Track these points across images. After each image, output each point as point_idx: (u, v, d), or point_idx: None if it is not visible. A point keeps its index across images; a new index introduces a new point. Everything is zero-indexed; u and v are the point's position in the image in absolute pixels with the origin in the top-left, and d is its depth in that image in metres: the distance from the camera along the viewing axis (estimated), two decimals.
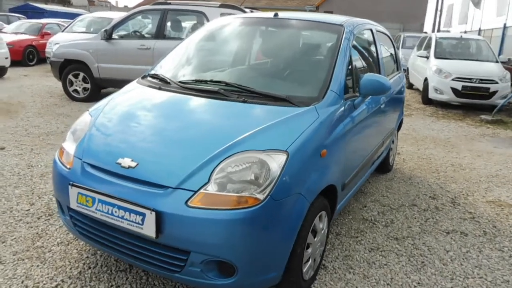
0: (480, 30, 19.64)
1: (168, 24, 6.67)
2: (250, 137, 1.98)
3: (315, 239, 2.23)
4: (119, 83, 6.86)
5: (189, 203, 1.79)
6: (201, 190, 1.81)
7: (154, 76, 2.79)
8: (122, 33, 7.07)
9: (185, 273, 1.86)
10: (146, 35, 7.13)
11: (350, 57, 2.68)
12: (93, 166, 2.06)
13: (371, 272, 2.52)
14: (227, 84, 2.47)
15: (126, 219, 1.86)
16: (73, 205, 2.04)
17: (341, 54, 2.61)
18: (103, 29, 6.78)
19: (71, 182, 2.02)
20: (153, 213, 1.78)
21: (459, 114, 8.28)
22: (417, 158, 5.10)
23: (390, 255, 2.74)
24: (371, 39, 3.40)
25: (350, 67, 2.66)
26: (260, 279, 1.91)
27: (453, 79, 8.40)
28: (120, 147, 2.09)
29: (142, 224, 1.82)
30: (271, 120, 2.11)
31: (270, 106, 2.25)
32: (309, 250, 2.18)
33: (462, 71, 8.49)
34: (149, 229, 1.81)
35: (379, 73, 3.31)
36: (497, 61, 9.15)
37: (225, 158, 1.88)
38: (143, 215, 1.81)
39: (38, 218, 2.96)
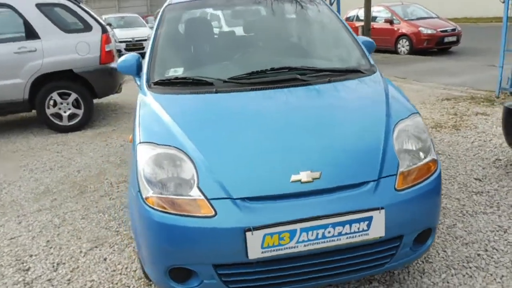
0: None
1: None
2: (385, 109, 2.01)
3: None
4: None
5: (397, 188, 1.73)
6: (399, 171, 1.76)
7: (176, 82, 2.26)
8: None
9: (395, 259, 1.80)
10: None
11: None
12: (252, 199, 1.63)
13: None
14: (290, 69, 2.32)
15: (346, 234, 1.63)
16: (255, 254, 1.60)
17: (343, 20, 2.77)
18: None
19: (249, 227, 1.56)
20: (382, 210, 1.64)
21: None
22: None
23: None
24: None
25: None
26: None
27: None
28: (280, 164, 1.75)
29: (368, 229, 1.64)
30: (376, 90, 2.18)
31: (354, 79, 2.31)
32: None
33: None
34: (377, 230, 1.66)
35: None
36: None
37: (391, 135, 1.86)
38: (369, 219, 1.63)
39: None
